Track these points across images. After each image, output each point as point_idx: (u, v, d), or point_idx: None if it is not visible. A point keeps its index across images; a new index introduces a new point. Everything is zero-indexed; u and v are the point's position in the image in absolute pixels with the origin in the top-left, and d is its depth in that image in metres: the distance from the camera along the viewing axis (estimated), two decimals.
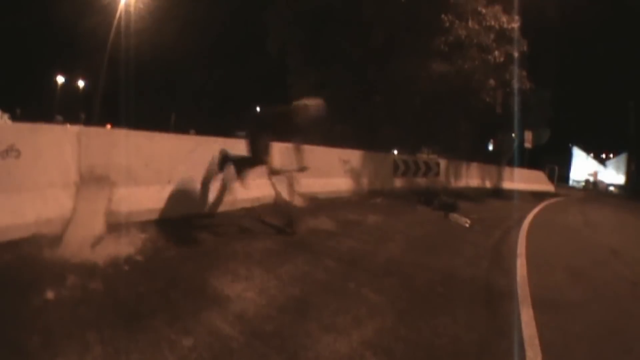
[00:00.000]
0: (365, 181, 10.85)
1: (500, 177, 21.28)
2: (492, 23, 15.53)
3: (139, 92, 28.15)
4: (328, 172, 9.58)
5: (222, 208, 6.09)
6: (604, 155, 67.78)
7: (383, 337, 2.99)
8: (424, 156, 14.72)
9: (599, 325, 3.87)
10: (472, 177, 18.81)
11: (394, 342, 2.95)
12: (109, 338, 2.48)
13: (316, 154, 9.42)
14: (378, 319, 3.26)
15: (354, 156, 10.76)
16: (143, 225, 4.72)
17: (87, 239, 3.93)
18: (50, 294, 2.91)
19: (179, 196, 5.59)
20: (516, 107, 18.27)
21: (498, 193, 17.79)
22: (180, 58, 25.85)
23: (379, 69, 16.04)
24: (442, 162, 16.01)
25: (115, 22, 24.89)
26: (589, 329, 3.76)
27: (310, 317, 3.14)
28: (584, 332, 3.68)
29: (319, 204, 7.81)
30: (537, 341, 3.24)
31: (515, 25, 16.00)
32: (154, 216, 5.10)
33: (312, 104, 5.22)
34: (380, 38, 15.81)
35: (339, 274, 4.20)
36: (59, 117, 26.15)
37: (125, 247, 4.02)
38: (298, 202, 7.06)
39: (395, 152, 15.62)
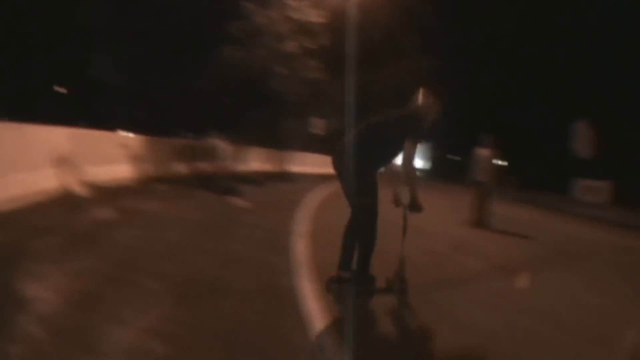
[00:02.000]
0: (148, 167, 11.33)
1: (289, 162, 22.95)
2: (297, 16, 17.27)
3: None
4: (110, 158, 9.97)
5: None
6: None
7: (165, 324, 3.24)
8: (211, 141, 15.76)
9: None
10: (260, 162, 20.29)
11: (175, 327, 3.21)
12: None
13: (96, 139, 9.85)
14: (159, 307, 3.52)
15: (135, 141, 11.24)
16: None
17: None
18: None
19: None
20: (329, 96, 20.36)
21: (286, 177, 19.28)
22: None
23: (177, 51, 16.59)
24: (229, 147, 16.91)
25: None
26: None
27: (99, 310, 3.37)
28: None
29: (102, 193, 8.11)
30: (320, 315, 3.71)
31: (320, 19, 17.85)
32: None
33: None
34: (181, 20, 16.37)
35: (121, 265, 4.45)
36: None
37: None
38: (82, 191, 7.59)
39: (186, 136, 16.44)
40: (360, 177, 4.02)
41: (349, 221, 4.31)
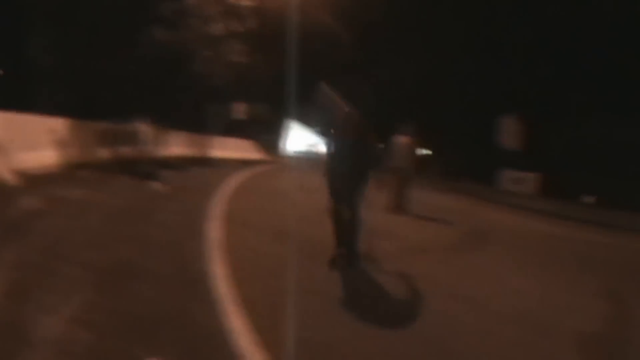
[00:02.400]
0: (72, 152, 11.31)
1: (210, 146, 23.04)
2: None
3: None
4: (37, 144, 9.93)
5: None
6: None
7: (87, 311, 3.38)
8: (134, 125, 15.92)
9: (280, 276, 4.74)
10: (181, 146, 20.36)
11: (96, 314, 3.36)
12: None
13: (22, 124, 9.65)
14: (82, 295, 3.66)
15: (61, 126, 11.18)
16: None
17: None
18: None
19: None
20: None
21: (207, 162, 19.57)
22: None
23: (107, 32, 16.54)
24: (151, 131, 17.00)
25: None
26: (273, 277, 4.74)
27: (24, 300, 3.49)
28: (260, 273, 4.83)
29: (29, 180, 8.14)
30: (236, 299, 3.94)
31: (250, 3, 18.50)
32: None
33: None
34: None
35: (46, 254, 4.59)
36: None
37: None
38: (11, 180, 7.70)
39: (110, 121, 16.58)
40: (363, 178, 5.41)
41: (349, 216, 5.40)
